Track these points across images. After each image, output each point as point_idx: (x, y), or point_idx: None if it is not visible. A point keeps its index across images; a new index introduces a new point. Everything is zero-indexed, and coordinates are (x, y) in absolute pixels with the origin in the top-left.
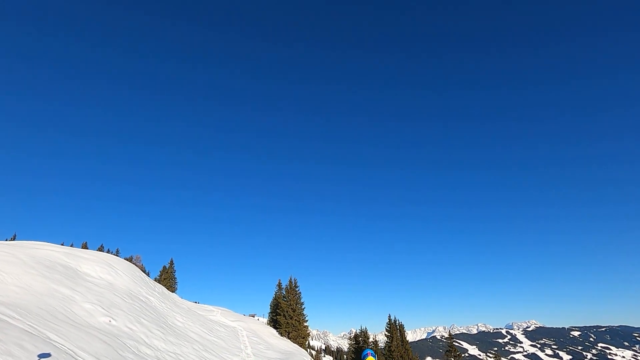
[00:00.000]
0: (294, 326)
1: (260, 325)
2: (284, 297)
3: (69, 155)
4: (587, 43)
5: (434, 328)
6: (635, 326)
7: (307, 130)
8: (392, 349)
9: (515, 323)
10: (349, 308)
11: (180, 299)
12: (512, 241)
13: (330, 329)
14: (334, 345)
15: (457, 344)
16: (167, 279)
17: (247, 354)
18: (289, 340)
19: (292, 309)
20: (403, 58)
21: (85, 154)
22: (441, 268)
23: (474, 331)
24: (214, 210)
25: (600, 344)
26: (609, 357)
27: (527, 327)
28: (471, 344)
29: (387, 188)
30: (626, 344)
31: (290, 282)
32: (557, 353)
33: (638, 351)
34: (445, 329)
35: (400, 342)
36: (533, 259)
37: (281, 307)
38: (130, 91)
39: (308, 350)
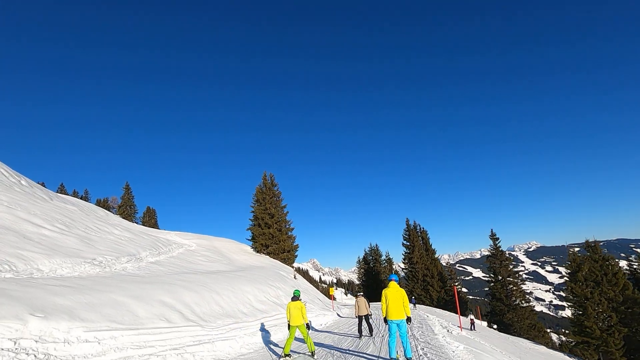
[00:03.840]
0: (273, 237)
1: (233, 244)
2: (257, 201)
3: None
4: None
5: (439, 257)
6: (632, 238)
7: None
8: (415, 260)
9: (516, 245)
10: (358, 247)
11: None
12: (511, 172)
13: (342, 266)
14: (345, 279)
15: (461, 268)
16: (123, 205)
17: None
18: (266, 256)
19: (269, 214)
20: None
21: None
22: (444, 197)
23: (477, 256)
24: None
25: None
26: None
27: (528, 248)
28: (475, 268)
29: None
30: (622, 255)
31: (265, 179)
32: (557, 269)
33: (633, 260)
34: (450, 256)
35: (424, 251)
36: (532, 181)
37: (255, 215)
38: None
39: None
